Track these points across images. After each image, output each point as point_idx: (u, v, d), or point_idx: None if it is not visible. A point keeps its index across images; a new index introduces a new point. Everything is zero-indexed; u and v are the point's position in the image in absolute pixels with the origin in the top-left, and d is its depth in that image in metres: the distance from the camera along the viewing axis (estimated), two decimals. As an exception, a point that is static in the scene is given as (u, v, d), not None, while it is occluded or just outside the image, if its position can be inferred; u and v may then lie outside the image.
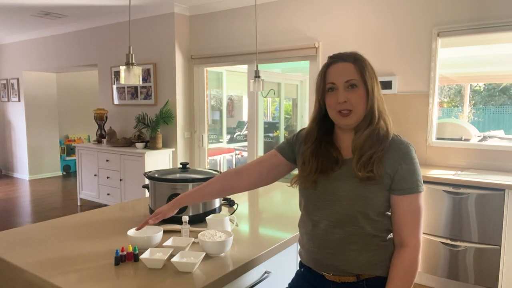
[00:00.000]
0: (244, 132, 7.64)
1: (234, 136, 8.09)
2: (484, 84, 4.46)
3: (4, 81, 7.47)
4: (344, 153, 1.27)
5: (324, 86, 1.24)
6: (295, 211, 1.93)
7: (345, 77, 1.20)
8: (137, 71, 2.17)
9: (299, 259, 1.40)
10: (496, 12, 3.15)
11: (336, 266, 1.23)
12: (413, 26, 3.52)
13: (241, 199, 2.19)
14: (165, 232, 1.56)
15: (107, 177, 5.12)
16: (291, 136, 1.42)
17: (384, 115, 1.24)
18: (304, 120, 7.04)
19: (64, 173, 7.85)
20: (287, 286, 1.41)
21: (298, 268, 1.41)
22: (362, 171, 1.17)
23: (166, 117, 4.88)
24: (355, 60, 1.22)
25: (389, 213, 1.25)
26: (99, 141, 5.52)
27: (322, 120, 1.29)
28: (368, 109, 1.21)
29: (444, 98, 4.17)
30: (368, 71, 1.21)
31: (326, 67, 1.25)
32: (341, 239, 1.22)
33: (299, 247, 1.39)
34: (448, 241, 2.94)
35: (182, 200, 1.44)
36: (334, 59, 1.24)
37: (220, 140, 7.17)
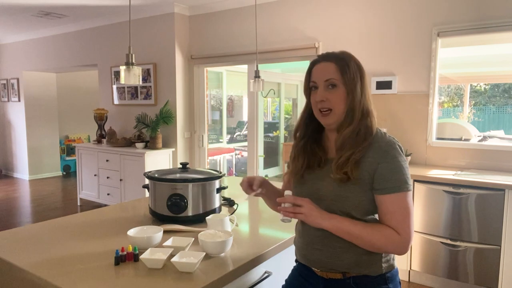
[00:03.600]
0: (244, 132, 7.64)
1: (234, 136, 8.10)
2: (486, 84, 4.46)
3: (4, 81, 7.47)
4: (329, 153, 1.30)
5: (308, 84, 1.28)
6: (295, 211, 1.93)
7: (325, 76, 1.22)
8: (137, 71, 2.17)
9: None
10: (496, 12, 3.15)
11: (323, 262, 1.25)
12: (413, 26, 3.52)
13: (241, 199, 2.19)
14: (165, 232, 1.56)
15: (107, 177, 5.12)
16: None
17: (369, 116, 1.23)
18: (304, 120, 7.02)
19: (64, 173, 7.85)
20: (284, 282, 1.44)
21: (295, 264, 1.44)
22: (338, 173, 1.18)
23: (166, 117, 4.88)
24: (338, 60, 1.23)
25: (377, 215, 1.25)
26: (99, 141, 5.52)
27: (310, 118, 1.32)
28: (348, 110, 1.22)
29: (444, 98, 4.17)
30: (350, 71, 1.21)
31: (312, 65, 1.27)
32: (325, 236, 1.23)
33: None
34: (448, 241, 2.94)
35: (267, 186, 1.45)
36: (319, 58, 1.27)
37: (220, 140, 7.18)
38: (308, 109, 1.32)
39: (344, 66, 1.21)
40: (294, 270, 1.42)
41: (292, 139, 1.44)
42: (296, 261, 1.42)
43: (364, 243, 1.18)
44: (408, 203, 1.17)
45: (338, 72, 1.21)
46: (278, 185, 1.60)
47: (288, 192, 1.25)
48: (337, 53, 1.26)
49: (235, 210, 1.93)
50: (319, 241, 1.25)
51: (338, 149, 1.22)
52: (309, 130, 1.32)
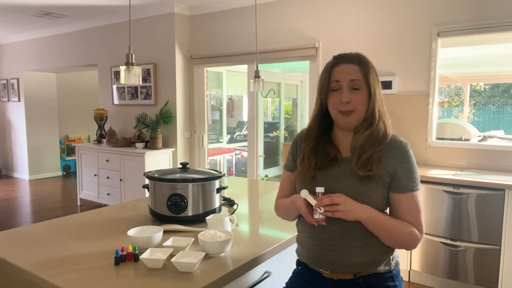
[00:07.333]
0: (244, 132, 7.64)
1: (234, 136, 8.09)
2: (486, 84, 4.46)
3: (4, 81, 7.47)
4: (342, 152, 1.29)
5: (328, 85, 1.26)
6: (295, 211, 1.92)
7: (350, 76, 1.23)
8: (137, 71, 2.17)
9: (297, 257, 1.40)
10: (496, 12, 3.15)
11: (337, 263, 1.24)
12: (413, 26, 3.52)
13: (241, 199, 2.19)
14: (165, 232, 1.56)
15: (107, 177, 5.12)
16: (291, 146, 1.43)
17: (384, 117, 1.27)
18: (304, 120, 7.03)
19: (64, 173, 7.85)
20: (284, 285, 1.42)
21: (295, 267, 1.42)
22: (362, 170, 1.20)
23: (166, 117, 4.88)
24: (360, 62, 1.25)
25: (387, 212, 1.28)
26: (99, 141, 5.52)
27: (322, 118, 1.31)
28: (369, 111, 1.24)
29: (444, 98, 4.17)
30: (371, 74, 1.24)
31: (331, 66, 1.26)
32: (341, 236, 1.23)
33: (296, 245, 1.40)
34: (448, 241, 2.94)
35: None
36: (339, 60, 1.26)
37: (220, 140, 7.17)
38: (321, 110, 1.30)
39: (367, 68, 1.24)
40: (296, 274, 1.40)
41: (300, 140, 1.41)
42: (298, 264, 1.39)
43: (390, 237, 1.20)
44: (420, 201, 1.25)
45: (361, 74, 1.23)
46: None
47: (320, 189, 1.20)
48: (357, 55, 1.27)
49: (235, 210, 1.93)
50: (334, 241, 1.23)
51: (358, 149, 1.23)
52: (321, 130, 1.32)
